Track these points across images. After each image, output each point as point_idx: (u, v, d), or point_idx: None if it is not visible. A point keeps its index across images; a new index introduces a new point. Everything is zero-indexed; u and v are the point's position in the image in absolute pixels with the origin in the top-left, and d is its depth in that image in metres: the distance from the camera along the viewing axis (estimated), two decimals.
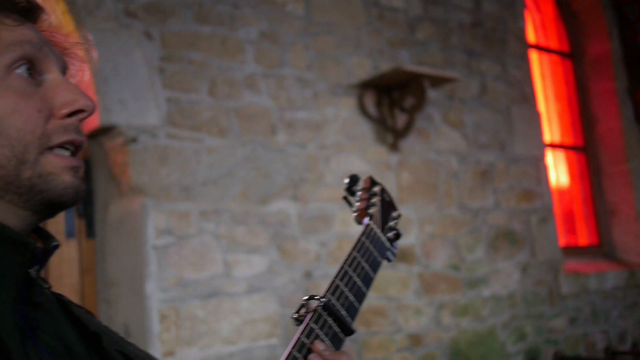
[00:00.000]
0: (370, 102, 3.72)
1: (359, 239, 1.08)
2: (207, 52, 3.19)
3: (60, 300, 0.91)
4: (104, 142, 2.99)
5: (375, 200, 1.19)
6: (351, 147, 3.62)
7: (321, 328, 0.91)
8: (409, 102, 3.72)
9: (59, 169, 0.81)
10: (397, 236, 1.19)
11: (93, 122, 2.86)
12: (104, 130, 2.92)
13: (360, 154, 3.65)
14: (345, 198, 1.22)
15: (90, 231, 2.99)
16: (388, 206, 1.21)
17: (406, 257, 3.73)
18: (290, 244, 3.33)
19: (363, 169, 3.62)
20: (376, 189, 1.22)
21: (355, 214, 1.19)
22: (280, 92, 3.40)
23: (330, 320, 0.93)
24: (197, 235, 3.04)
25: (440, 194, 3.97)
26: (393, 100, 3.74)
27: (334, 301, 0.95)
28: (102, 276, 3.03)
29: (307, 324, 0.91)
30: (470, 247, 4.07)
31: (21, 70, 0.80)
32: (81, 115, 0.83)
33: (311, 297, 0.95)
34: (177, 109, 3.06)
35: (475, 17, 4.40)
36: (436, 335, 3.81)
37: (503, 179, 4.34)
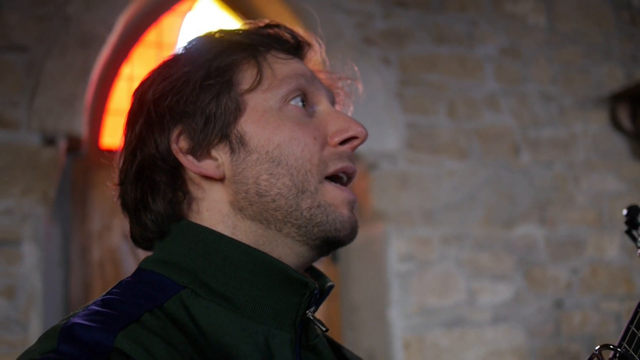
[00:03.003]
0: (624, 114, 3.37)
1: None
2: (445, 73, 3.12)
3: (330, 342, 0.89)
4: None
5: None
6: (603, 165, 3.31)
7: None
8: None
9: (338, 200, 0.80)
10: None
11: None
12: None
13: (614, 172, 3.32)
14: (628, 232, 1.06)
15: (334, 256, 3.04)
16: None
17: None
18: (538, 271, 3.12)
19: (618, 189, 3.29)
20: None
21: None
22: (522, 110, 3.22)
23: None
24: (439, 261, 2.97)
25: None
26: None
27: (632, 352, 0.82)
28: (346, 301, 3.07)
29: None
30: None
31: (295, 102, 0.81)
32: (354, 143, 0.83)
33: (604, 346, 0.84)
34: (416, 132, 3.02)
35: None
36: None
37: None
